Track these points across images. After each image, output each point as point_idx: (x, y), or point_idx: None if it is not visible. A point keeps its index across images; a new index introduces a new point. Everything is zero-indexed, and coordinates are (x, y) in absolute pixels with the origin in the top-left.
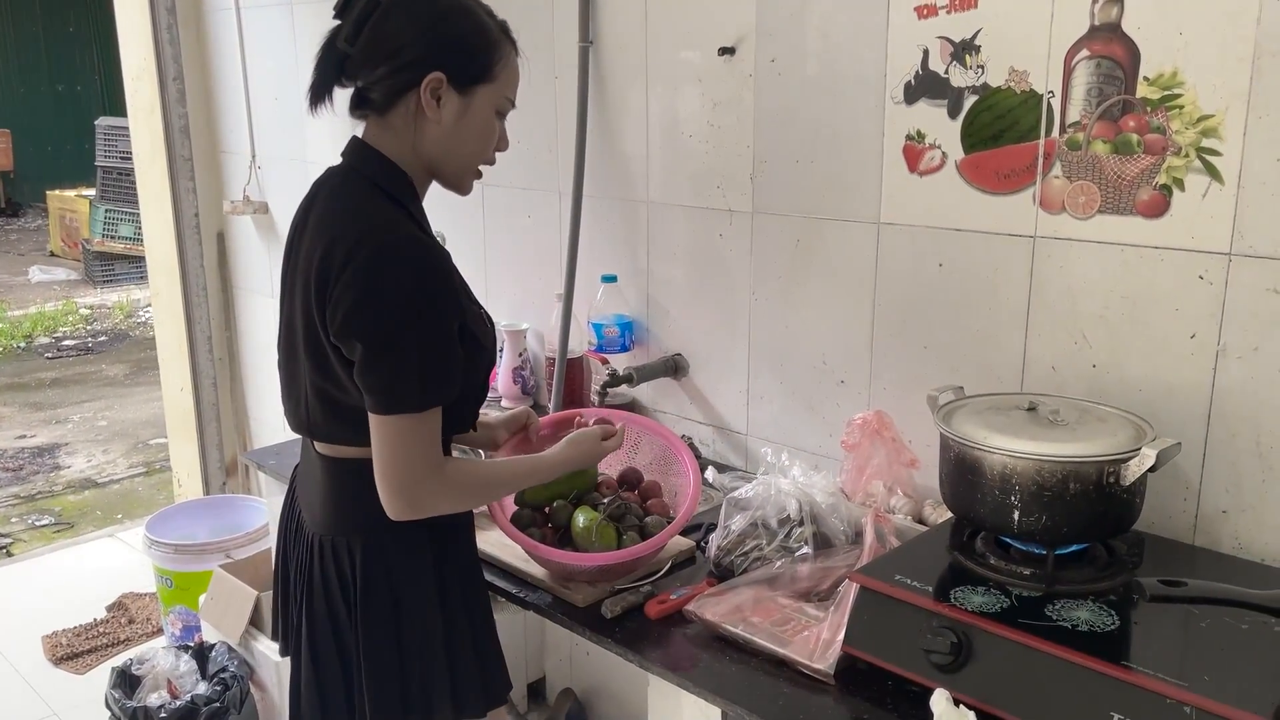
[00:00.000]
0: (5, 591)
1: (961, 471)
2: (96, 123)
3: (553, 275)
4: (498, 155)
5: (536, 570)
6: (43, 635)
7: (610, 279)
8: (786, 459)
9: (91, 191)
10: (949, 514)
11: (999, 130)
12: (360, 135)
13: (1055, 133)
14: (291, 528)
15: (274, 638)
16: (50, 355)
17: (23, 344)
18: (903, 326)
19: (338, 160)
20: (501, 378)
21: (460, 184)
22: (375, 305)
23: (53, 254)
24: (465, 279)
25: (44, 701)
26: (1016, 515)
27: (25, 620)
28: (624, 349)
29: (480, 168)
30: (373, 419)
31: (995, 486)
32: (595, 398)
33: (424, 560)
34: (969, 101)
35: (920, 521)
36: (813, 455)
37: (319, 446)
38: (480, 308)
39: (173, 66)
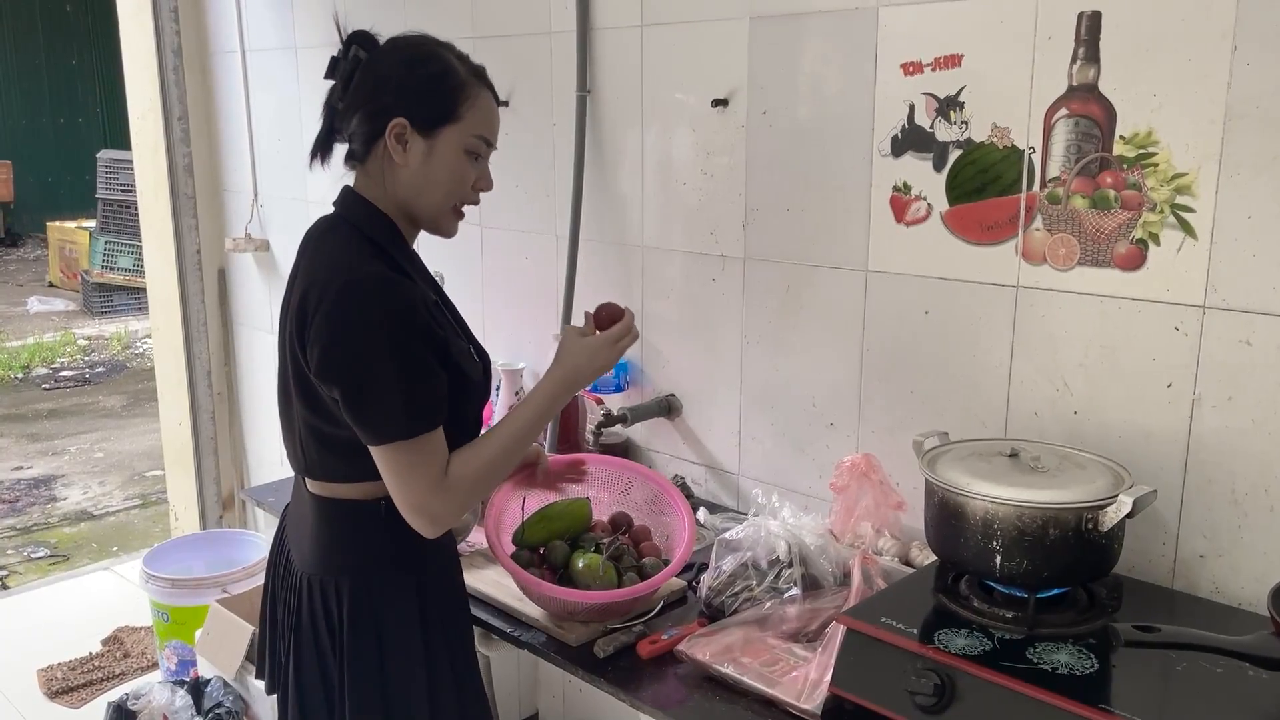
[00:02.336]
0: (0, 624)
1: (945, 516)
2: (98, 155)
3: (549, 316)
4: (484, 196)
5: (530, 609)
6: (37, 669)
7: None
8: (777, 500)
9: (91, 223)
10: (934, 556)
11: (982, 184)
12: (350, 184)
13: (1036, 187)
14: (280, 567)
15: (258, 676)
16: (48, 386)
17: (20, 375)
18: (890, 371)
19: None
20: (499, 416)
21: (437, 226)
22: (344, 344)
23: (51, 285)
24: (459, 318)
25: None
26: (998, 559)
27: (20, 653)
28: (618, 389)
29: (463, 208)
30: (372, 451)
31: (978, 531)
32: (590, 437)
33: (410, 603)
34: (953, 155)
35: (907, 563)
36: (803, 496)
37: (312, 486)
38: (469, 344)
39: (178, 106)
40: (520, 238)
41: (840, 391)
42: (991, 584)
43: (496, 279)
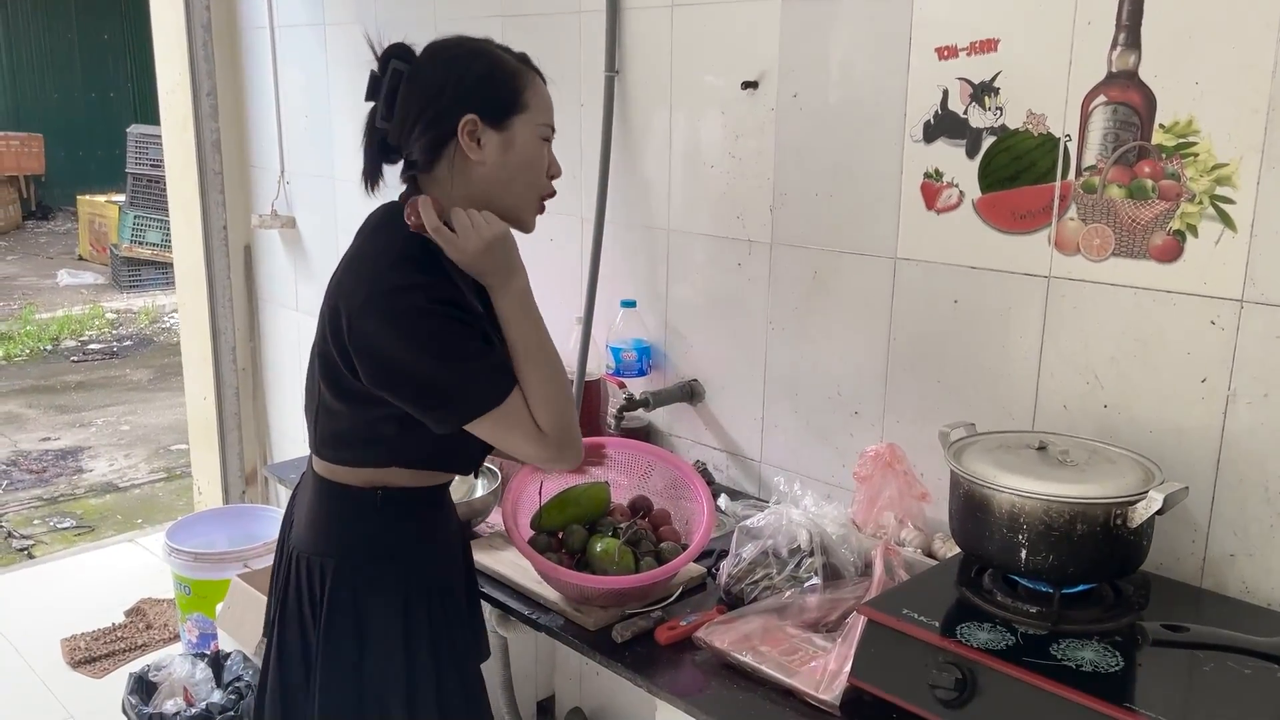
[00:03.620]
0: (26, 593)
1: (971, 508)
2: (128, 130)
3: (573, 298)
4: (555, 183)
5: (549, 593)
6: (61, 638)
7: (630, 304)
8: (799, 488)
9: (121, 197)
10: (958, 549)
11: (1016, 171)
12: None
13: (1071, 175)
14: (286, 536)
15: (264, 633)
16: (76, 359)
17: (49, 347)
18: (917, 361)
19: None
20: None
21: (521, 219)
22: (391, 357)
23: (81, 258)
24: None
25: (61, 705)
26: (1024, 554)
27: (45, 623)
28: (641, 373)
29: (543, 201)
30: (470, 427)
31: (1003, 525)
32: (611, 421)
33: (393, 592)
34: (987, 142)
35: (930, 555)
36: (825, 485)
37: (317, 465)
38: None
39: (207, 82)
40: (545, 219)
41: (866, 380)
42: (1016, 578)
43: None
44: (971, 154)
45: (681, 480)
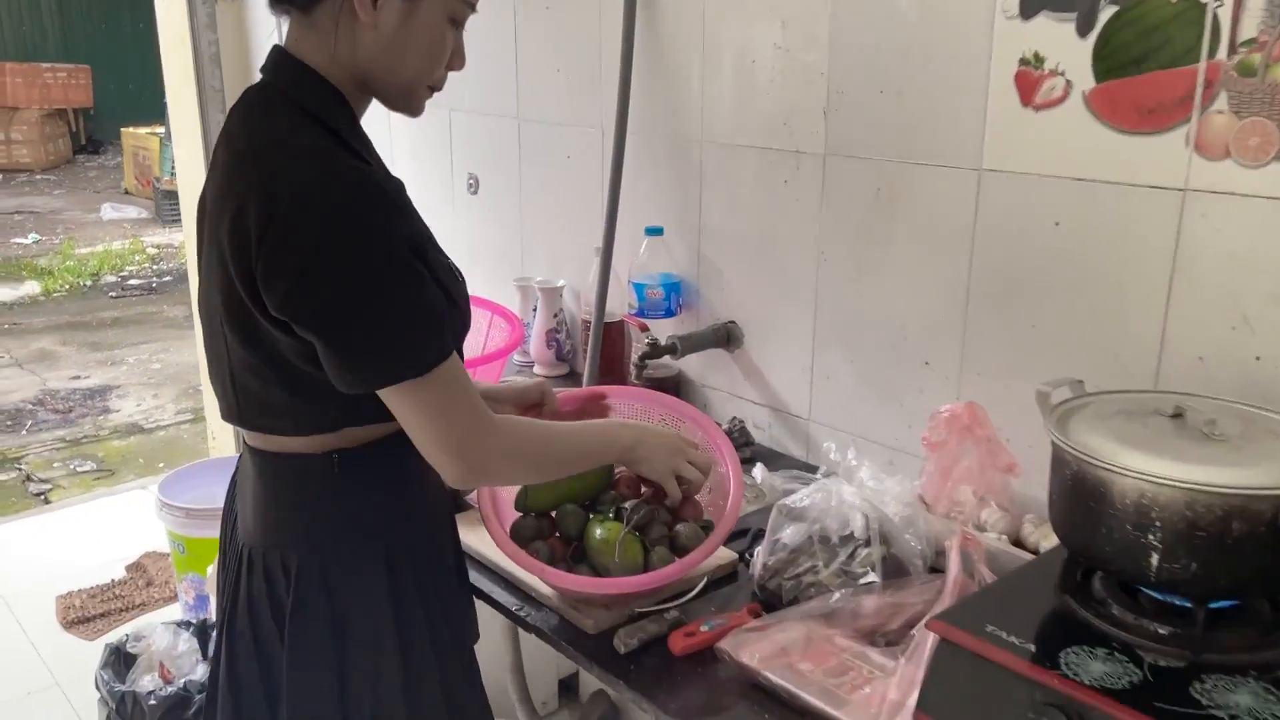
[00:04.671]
0: (30, 543)
1: (1080, 495)
2: None
3: (593, 224)
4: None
5: (542, 585)
6: (57, 595)
7: (655, 231)
8: (854, 457)
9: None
10: (1053, 536)
11: (1144, 52)
12: (281, 42)
13: (1222, 54)
14: (228, 533)
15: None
16: (115, 294)
17: (89, 282)
18: (1005, 299)
19: None
20: (534, 341)
21: (406, 104)
22: (321, 267)
23: (126, 192)
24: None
25: (48, 669)
26: (1156, 559)
27: (44, 576)
28: (669, 314)
29: (430, 87)
30: (384, 397)
31: (1128, 520)
32: (634, 370)
33: (376, 577)
34: (1105, 14)
35: (1017, 543)
36: (888, 450)
37: (250, 438)
38: (447, 257)
39: None
40: (561, 131)
41: (940, 323)
42: (1141, 587)
43: (535, 180)
44: (1084, 31)
45: (705, 445)
